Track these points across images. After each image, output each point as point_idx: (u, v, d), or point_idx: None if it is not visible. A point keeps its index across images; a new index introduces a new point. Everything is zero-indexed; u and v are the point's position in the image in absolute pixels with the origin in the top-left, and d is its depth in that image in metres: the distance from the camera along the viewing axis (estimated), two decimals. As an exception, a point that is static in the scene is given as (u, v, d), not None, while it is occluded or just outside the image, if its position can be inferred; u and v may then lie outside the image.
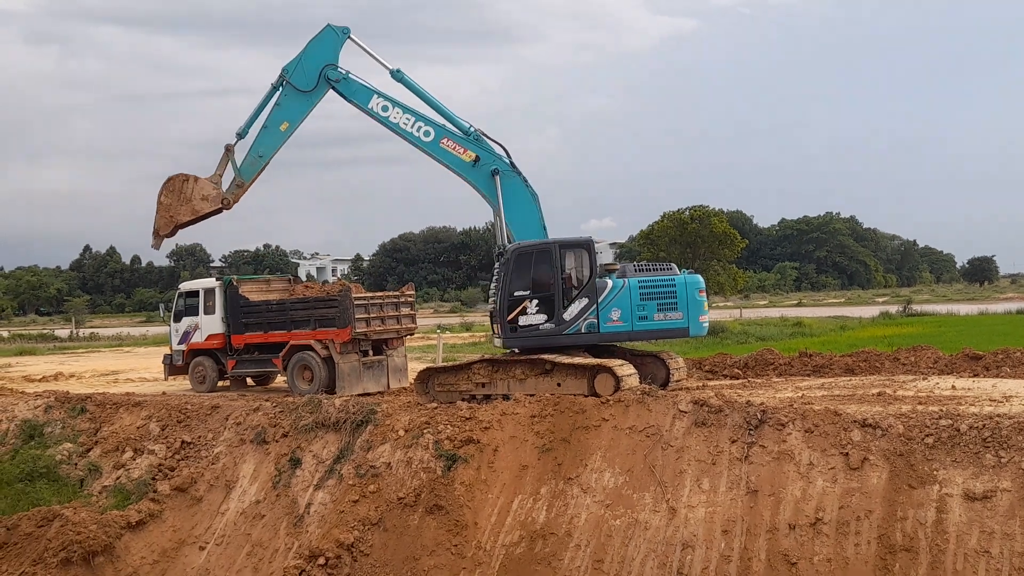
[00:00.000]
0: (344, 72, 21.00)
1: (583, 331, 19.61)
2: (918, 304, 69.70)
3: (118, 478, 20.84)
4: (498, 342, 20.34)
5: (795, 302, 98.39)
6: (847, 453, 15.08)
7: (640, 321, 19.77)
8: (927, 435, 14.81)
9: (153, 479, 20.34)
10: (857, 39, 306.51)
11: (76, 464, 21.67)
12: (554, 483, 16.93)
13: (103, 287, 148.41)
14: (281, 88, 21.32)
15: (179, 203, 19.48)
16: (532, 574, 15.90)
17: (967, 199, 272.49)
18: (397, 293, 24.99)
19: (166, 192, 19.50)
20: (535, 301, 19.40)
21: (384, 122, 21.12)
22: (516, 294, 19.42)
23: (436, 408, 19.26)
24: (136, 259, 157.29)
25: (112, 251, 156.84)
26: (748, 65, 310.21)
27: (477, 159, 20.58)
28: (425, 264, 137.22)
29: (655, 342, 22.78)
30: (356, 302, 23.13)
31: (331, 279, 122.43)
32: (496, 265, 20.37)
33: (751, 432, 16.01)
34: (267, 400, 21.70)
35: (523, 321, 19.49)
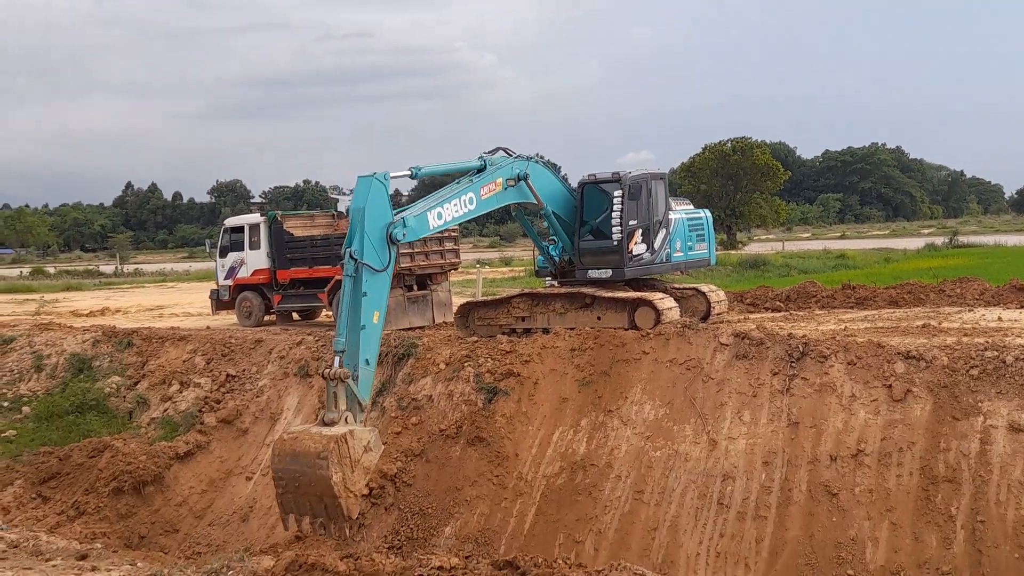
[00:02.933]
0: (402, 220, 16.48)
1: (664, 261, 20.12)
2: (964, 236, 68.67)
3: (166, 410, 21.26)
4: (598, 274, 19.57)
5: (838, 234, 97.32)
6: (890, 385, 14.96)
7: (689, 252, 20.69)
8: (972, 367, 14.65)
9: (200, 411, 20.74)
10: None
11: (124, 397, 22.13)
12: (594, 415, 17.00)
13: (146, 223, 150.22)
14: (356, 275, 15.84)
15: (351, 470, 14.51)
16: (573, 504, 16.05)
17: (1016, 129, 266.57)
18: None
19: (335, 468, 13.78)
20: (640, 231, 19.58)
21: (444, 228, 18.23)
22: (631, 223, 19.43)
23: (476, 342, 19.36)
24: (177, 195, 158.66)
25: (154, 188, 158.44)
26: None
27: (512, 181, 18.76)
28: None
29: (690, 274, 23.19)
30: None
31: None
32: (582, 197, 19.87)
33: (793, 364, 15.93)
34: (309, 334, 21.91)
35: (635, 251, 19.60)
